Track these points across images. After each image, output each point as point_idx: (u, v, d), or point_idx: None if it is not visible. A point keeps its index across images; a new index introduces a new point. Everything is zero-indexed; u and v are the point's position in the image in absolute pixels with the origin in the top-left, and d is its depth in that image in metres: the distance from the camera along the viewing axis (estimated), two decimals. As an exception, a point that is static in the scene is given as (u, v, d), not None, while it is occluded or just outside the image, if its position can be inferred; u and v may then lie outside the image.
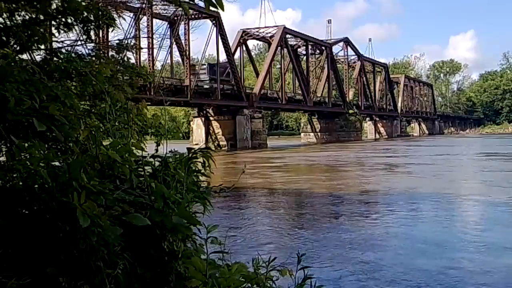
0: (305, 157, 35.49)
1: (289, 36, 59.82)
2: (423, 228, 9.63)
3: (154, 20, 40.68)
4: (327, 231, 9.45)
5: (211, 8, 1.77)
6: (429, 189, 15.05)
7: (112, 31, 4.65)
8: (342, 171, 23.02)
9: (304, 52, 64.92)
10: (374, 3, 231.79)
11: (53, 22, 3.10)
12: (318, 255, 7.55)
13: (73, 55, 3.42)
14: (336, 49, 74.06)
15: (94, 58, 3.72)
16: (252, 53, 71.72)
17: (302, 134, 70.89)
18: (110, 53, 4.54)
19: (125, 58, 4.46)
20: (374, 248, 7.94)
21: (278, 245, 8.33)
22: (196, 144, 37.56)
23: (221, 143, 49.40)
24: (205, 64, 48.64)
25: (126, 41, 4.70)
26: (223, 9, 1.80)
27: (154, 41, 38.60)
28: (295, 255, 2.12)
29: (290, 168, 25.65)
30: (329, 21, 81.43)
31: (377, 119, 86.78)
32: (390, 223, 9.99)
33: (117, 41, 4.34)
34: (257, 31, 58.41)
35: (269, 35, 57.73)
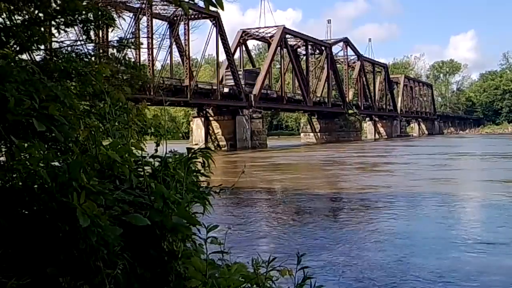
0: (298, 157, 36.23)
1: (289, 36, 59.82)
2: (381, 221, 10.34)
3: (154, 20, 40.68)
4: (289, 222, 10.49)
5: (211, 8, 1.77)
6: (393, 186, 15.90)
7: (112, 31, 4.65)
8: (325, 170, 24.25)
9: (304, 52, 64.94)
10: (374, 3, 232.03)
11: (53, 22, 3.10)
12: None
13: (73, 55, 3.41)
14: (336, 49, 74.19)
15: (94, 58, 3.72)
16: (252, 53, 71.75)
17: (302, 134, 70.91)
18: (110, 51, 4.53)
19: (126, 57, 4.45)
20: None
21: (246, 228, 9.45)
22: (196, 144, 37.57)
23: (220, 143, 49.41)
24: (240, 70, 52.03)
25: (126, 41, 4.70)
26: (223, 9, 1.80)
27: (154, 41, 38.64)
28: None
29: (279, 167, 26.35)
30: (329, 21, 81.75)
31: (377, 119, 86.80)
32: (356, 218, 10.82)
33: (117, 39, 4.33)
34: (257, 31, 58.42)
35: (269, 35, 57.72)
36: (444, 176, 19.07)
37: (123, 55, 4.42)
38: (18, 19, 2.82)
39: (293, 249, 7.47)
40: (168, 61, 46.68)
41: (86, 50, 3.85)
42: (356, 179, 18.85)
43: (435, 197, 13.43)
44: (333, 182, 18.11)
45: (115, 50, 4.33)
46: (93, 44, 3.85)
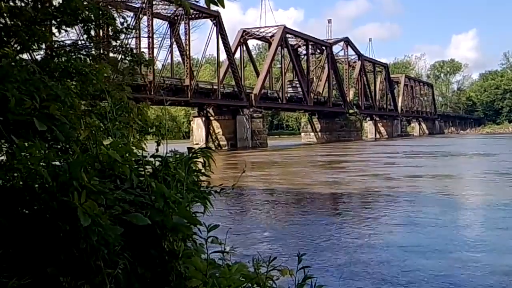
0: (280, 156, 37.44)
1: (290, 35, 59.82)
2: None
3: (155, 20, 40.72)
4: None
5: (212, 8, 1.77)
6: (337, 182, 17.64)
7: (112, 30, 4.64)
8: (293, 167, 26.60)
9: (304, 52, 64.93)
10: (375, 2, 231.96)
11: (53, 22, 3.09)
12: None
13: (73, 54, 3.41)
14: (336, 48, 74.19)
15: (95, 54, 3.72)
16: (252, 53, 71.75)
17: (302, 133, 70.92)
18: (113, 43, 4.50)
19: (123, 44, 4.43)
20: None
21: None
22: (197, 144, 37.61)
23: (221, 142, 49.42)
24: (292, 81, 62.53)
25: (126, 40, 4.70)
26: (223, 6, 1.81)
27: (155, 41, 38.65)
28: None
29: (254, 165, 27.73)
30: (329, 21, 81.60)
31: (378, 119, 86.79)
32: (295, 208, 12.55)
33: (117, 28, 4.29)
34: (257, 31, 58.45)
35: (270, 34, 57.75)
36: (387, 172, 21.15)
37: (123, 43, 4.41)
38: (19, 19, 2.81)
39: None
40: (169, 61, 46.77)
41: (87, 50, 3.84)
42: (312, 175, 20.95)
43: (362, 190, 15.33)
44: (290, 178, 19.95)
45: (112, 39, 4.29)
46: (93, 44, 3.85)
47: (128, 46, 4.52)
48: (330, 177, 19.65)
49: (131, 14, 34.76)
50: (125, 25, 4.04)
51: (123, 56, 4.22)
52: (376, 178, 18.70)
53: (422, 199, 13.20)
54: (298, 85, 60.72)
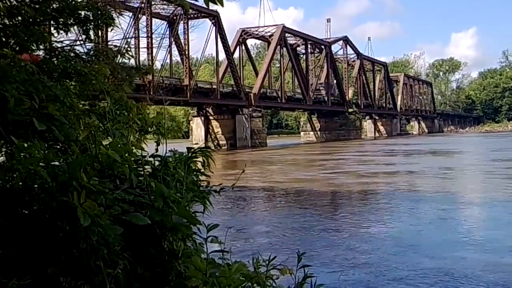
0: (270, 155, 38.33)
1: (289, 35, 59.80)
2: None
3: (153, 20, 40.69)
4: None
5: (211, 7, 1.78)
6: (308, 180, 19.10)
7: (111, 30, 4.64)
8: (275, 165, 27.70)
9: (303, 51, 64.92)
10: (376, 1, 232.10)
11: (52, 22, 3.09)
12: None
13: (72, 54, 3.41)
14: (335, 48, 74.16)
15: (93, 58, 3.72)
16: (251, 52, 71.75)
17: (302, 133, 70.93)
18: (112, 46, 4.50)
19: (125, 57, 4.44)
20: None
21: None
22: (196, 144, 37.62)
23: (220, 142, 49.41)
24: (322, 83, 66.22)
25: (125, 41, 4.69)
26: (222, 5, 1.81)
27: (154, 41, 38.63)
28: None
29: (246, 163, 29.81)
30: (328, 20, 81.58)
31: (377, 117, 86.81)
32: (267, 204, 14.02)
33: (116, 40, 4.32)
34: (256, 30, 58.44)
35: (269, 34, 57.74)
36: (359, 169, 22.77)
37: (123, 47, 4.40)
38: (18, 19, 2.81)
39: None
40: (168, 61, 46.75)
41: (85, 50, 3.84)
42: (289, 173, 22.30)
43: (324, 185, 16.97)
44: (267, 176, 21.09)
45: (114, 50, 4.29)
46: (92, 44, 3.84)
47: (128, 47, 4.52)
48: (307, 174, 21.40)
49: (130, 14, 34.79)
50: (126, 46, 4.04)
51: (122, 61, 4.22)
52: (348, 175, 20.47)
53: (377, 193, 14.86)
54: (323, 88, 64.38)
